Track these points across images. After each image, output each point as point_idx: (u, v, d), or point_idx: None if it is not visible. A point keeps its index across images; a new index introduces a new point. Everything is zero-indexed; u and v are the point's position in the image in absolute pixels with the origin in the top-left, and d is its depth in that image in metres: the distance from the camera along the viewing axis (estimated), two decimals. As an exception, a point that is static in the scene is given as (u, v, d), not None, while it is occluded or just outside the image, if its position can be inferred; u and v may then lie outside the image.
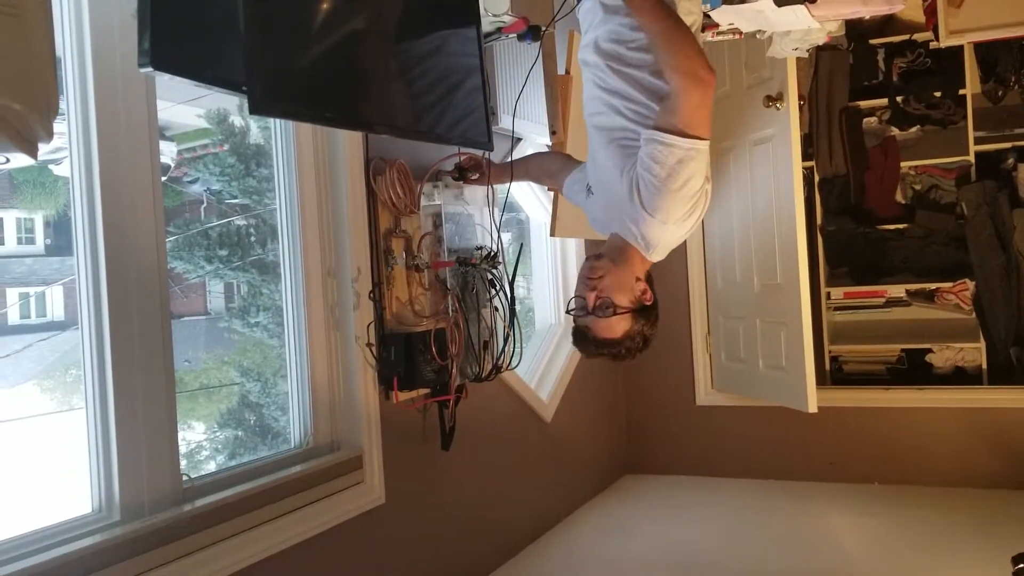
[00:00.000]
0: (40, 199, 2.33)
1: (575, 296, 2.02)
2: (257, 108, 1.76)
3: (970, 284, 4.38)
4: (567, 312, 2.07)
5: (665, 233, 1.98)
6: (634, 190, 1.93)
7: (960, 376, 4.46)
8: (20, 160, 1.34)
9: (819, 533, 3.60)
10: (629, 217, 1.97)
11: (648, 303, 2.02)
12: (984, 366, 4.35)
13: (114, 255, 1.88)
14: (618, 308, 1.95)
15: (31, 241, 2.37)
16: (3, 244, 2.32)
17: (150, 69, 1.62)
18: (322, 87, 1.96)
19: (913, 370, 4.56)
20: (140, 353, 1.93)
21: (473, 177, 2.81)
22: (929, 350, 4.53)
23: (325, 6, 1.96)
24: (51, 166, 2.01)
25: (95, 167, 1.85)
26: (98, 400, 1.87)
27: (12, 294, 2.29)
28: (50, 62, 1.38)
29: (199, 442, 2.60)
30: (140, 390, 1.92)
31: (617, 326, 1.97)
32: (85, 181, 1.85)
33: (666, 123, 1.90)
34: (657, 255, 2.04)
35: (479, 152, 2.80)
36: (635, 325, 1.98)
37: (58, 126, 1.43)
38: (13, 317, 2.27)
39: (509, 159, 2.75)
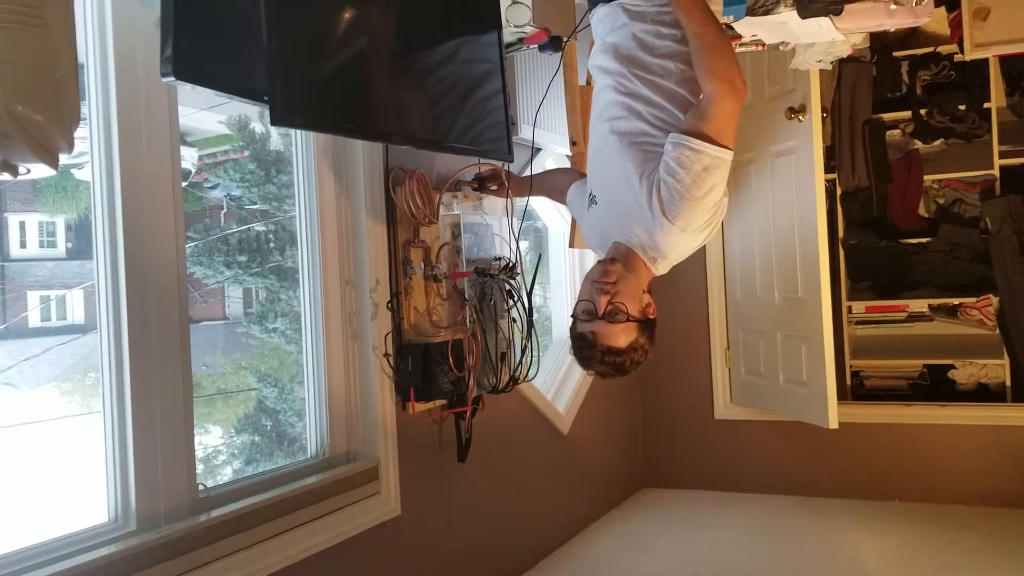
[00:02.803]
0: (62, 203, 2.34)
1: (582, 300, 1.94)
2: (279, 119, 1.77)
3: (994, 300, 4.34)
4: (573, 317, 1.97)
5: (680, 242, 1.95)
6: (654, 195, 1.89)
7: (983, 393, 4.40)
8: (41, 171, 1.34)
9: (839, 550, 3.55)
10: (642, 224, 1.94)
11: (652, 317, 1.97)
12: (1008, 383, 4.30)
13: (134, 259, 1.88)
14: (630, 315, 1.89)
15: (52, 245, 2.38)
16: (25, 247, 2.33)
17: (172, 78, 1.63)
18: (343, 98, 1.97)
19: (935, 386, 4.51)
20: (158, 357, 1.93)
21: (492, 187, 2.81)
22: (952, 366, 4.48)
23: (347, 18, 1.96)
24: (73, 170, 2.02)
25: (116, 172, 1.86)
26: (116, 406, 1.87)
27: (33, 297, 2.30)
28: (72, 73, 1.38)
29: (216, 447, 2.60)
30: (158, 396, 1.92)
31: (626, 335, 1.89)
32: (106, 186, 1.86)
33: (695, 128, 1.87)
34: (663, 267, 2.01)
35: (499, 164, 2.79)
36: (640, 337, 1.92)
37: (80, 131, 1.43)
38: (34, 320, 2.28)
39: (528, 173, 2.73)
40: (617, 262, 1.94)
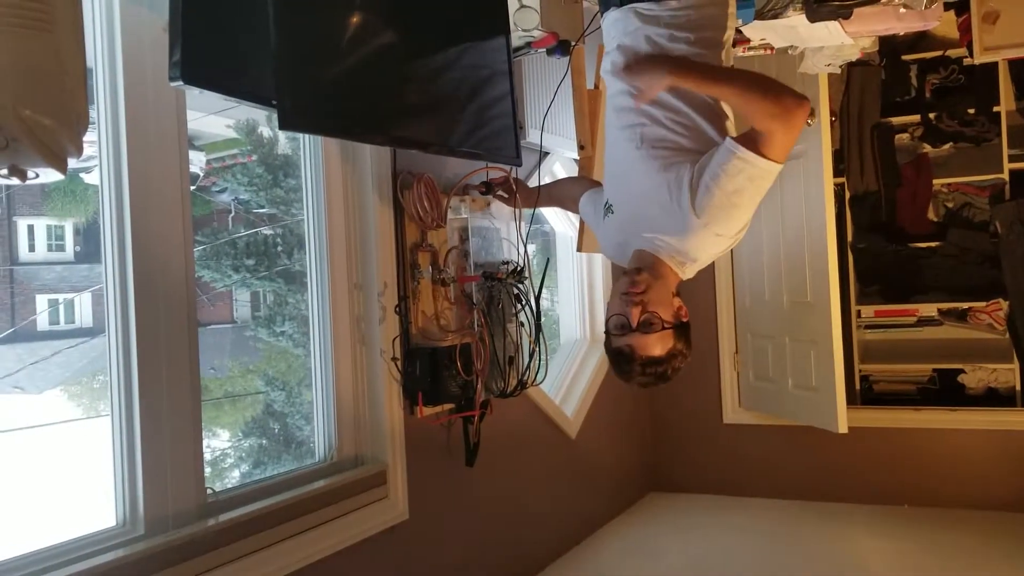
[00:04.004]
0: (70, 207, 2.35)
1: (614, 314, 1.89)
2: (287, 123, 1.77)
3: (1003, 304, 4.31)
4: (607, 333, 1.94)
5: (710, 245, 1.93)
6: (686, 197, 1.86)
7: (993, 397, 4.37)
8: (49, 175, 1.34)
9: (847, 555, 3.54)
10: (670, 231, 1.91)
11: (685, 319, 1.93)
12: (1018, 387, 4.27)
13: (142, 263, 1.88)
14: (664, 323, 1.85)
15: (61, 248, 2.40)
16: (34, 251, 2.34)
17: (180, 83, 1.63)
18: (351, 103, 1.97)
19: (945, 391, 4.48)
20: (166, 361, 1.93)
21: (501, 194, 2.80)
22: (961, 370, 4.45)
23: (355, 22, 1.96)
24: (81, 174, 2.03)
25: (124, 176, 1.86)
26: (124, 409, 1.87)
27: (42, 300, 2.31)
28: (81, 77, 1.39)
29: (224, 450, 2.60)
30: (166, 399, 1.92)
31: (663, 343, 1.85)
32: (114, 190, 1.86)
33: (751, 141, 1.83)
34: (691, 271, 1.98)
35: (507, 169, 2.79)
36: (677, 343, 1.88)
37: (88, 135, 1.44)
38: (43, 323, 2.28)
39: (536, 184, 2.73)
40: (643, 271, 1.91)
